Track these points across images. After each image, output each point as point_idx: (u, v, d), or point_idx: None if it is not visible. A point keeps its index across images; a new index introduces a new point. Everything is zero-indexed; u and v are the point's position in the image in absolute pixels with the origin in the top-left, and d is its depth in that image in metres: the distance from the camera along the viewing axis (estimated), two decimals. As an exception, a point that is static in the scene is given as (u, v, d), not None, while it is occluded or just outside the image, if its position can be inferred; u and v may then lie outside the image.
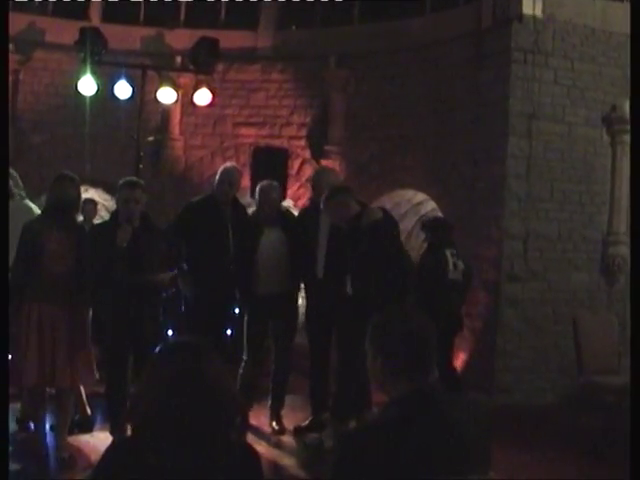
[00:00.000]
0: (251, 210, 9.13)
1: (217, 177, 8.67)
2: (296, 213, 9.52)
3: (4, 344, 6.36)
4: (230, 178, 8.61)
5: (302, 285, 8.75)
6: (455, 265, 9.40)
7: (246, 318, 8.62)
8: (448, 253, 9.41)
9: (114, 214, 7.75)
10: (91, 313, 7.38)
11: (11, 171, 8.21)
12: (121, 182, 7.65)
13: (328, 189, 8.03)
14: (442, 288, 9.28)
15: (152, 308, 7.57)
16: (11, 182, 8.11)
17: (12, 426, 7.60)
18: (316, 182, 8.69)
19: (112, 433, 7.34)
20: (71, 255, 7.02)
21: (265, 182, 8.69)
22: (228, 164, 9.66)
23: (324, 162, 13.81)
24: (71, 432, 7.75)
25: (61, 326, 7.02)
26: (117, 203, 7.72)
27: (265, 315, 8.46)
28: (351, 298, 7.87)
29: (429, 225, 9.93)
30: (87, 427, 7.99)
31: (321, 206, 8.01)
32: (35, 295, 6.99)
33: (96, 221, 12.04)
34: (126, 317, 7.32)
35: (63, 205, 7.17)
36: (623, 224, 11.45)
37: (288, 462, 7.78)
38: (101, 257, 7.27)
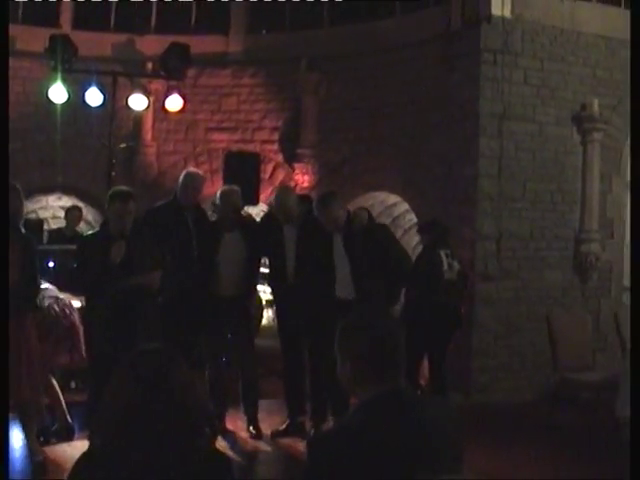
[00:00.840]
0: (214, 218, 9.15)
1: (180, 181, 8.71)
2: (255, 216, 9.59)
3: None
4: (193, 183, 8.65)
5: (270, 292, 8.80)
6: (450, 265, 9.45)
7: (207, 321, 8.65)
8: (442, 254, 9.46)
9: (104, 225, 7.64)
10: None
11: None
12: (112, 193, 7.51)
13: (319, 195, 8.16)
14: (438, 288, 9.33)
15: (145, 311, 7.38)
16: None
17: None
18: (279, 202, 8.58)
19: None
20: (15, 266, 6.92)
21: (225, 187, 8.77)
22: (191, 169, 9.70)
23: (297, 165, 13.83)
24: (49, 441, 7.74)
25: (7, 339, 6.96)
26: (109, 215, 7.57)
27: (224, 317, 8.47)
28: (344, 301, 7.91)
29: (424, 227, 10.02)
30: (67, 436, 7.96)
31: (315, 213, 8.08)
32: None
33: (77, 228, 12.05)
34: (118, 322, 7.17)
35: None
36: (595, 222, 11.55)
37: (264, 467, 7.79)
38: (92, 271, 7.23)
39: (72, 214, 12.21)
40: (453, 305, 9.54)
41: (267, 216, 9.14)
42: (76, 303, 8.63)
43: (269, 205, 8.94)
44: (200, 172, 9.39)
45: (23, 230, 7.21)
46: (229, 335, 8.64)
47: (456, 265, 9.54)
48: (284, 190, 9.23)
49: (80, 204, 13.83)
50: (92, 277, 7.27)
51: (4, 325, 6.33)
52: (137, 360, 2.80)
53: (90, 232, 8.52)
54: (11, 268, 6.72)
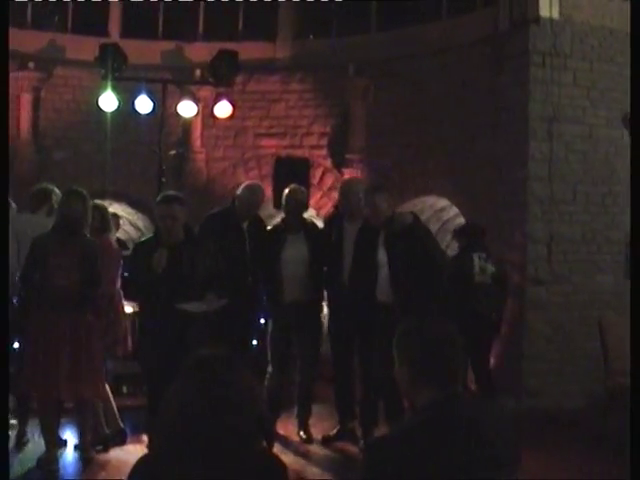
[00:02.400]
0: (275, 220, 9.15)
1: (239, 193, 8.69)
2: (319, 222, 9.52)
3: (5, 346, 6.46)
4: (254, 197, 8.65)
5: (326, 294, 8.72)
6: (482, 268, 9.38)
7: (270, 327, 8.64)
8: (475, 256, 9.40)
9: (156, 231, 7.62)
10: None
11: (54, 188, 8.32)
12: (159, 197, 7.56)
13: (370, 186, 8.08)
14: (469, 291, 9.27)
15: (197, 330, 7.15)
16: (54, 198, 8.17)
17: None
18: (344, 192, 8.58)
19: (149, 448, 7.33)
20: (76, 269, 7.06)
21: (293, 185, 8.67)
22: (253, 182, 9.67)
23: (346, 171, 13.84)
24: (104, 446, 7.81)
25: (64, 338, 7.11)
26: (156, 219, 7.62)
27: (289, 324, 8.46)
28: (382, 304, 7.85)
29: (458, 231, 9.98)
30: (120, 440, 8.02)
31: (359, 203, 7.99)
32: (40, 308, 7.16)
33: (119, 235, 12.11)
34: (169, 339, 7.04)
35: (69, 220, 7.24)
36: (647, 224, 11.41)
37: (316, 471, 7.78)
38: (139, 280, 7.25)
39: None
40: (487, 310, 9.46)
41: (330, 216, 9.10)
42: (129, 308, 8.74)
43: (339, 193, 8.82)
44: (261, 185, 9.32)
45: (87, 235, 7.39)
46: (295, 339, 8.59)
47: (490, 268, 9.45)
48: (351, 181, 9.25)
49: (131, 210, 13.94)
50: (139, 285, 7.29)
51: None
52: (197, 366, 2.81)
53: (143, 239, 8.55)
54: (70, 270, 6.88)
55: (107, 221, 8.23)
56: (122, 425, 8.09)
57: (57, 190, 8.26)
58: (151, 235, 7.82)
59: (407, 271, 7.63)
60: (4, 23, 7.10)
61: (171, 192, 7.82)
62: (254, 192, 8.73)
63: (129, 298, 8.54)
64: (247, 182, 9.33)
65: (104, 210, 8.34)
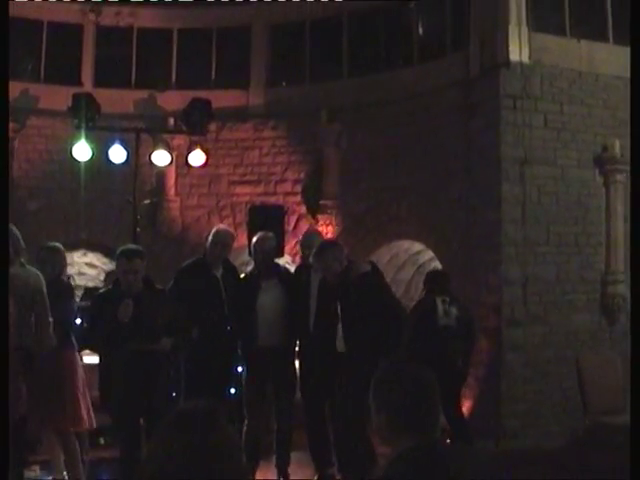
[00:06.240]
0: (250, 267, 9.14)
1: (209, 239, 8.69)
2: (293, 269, 9.52)
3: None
4: (223, 240, 8.65)
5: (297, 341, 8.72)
6: (446, 312, 9.35)
7: (245, 375, 8.60)
8: (439, 300, 9.35)
9: (116, 283, 7.69)
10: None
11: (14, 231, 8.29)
12: (118, 251, 7.55)
13: (319, 245, 8.06)
14: (433, 335, 9.23)
15: (158, 373, 7.35)
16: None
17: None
18: (304, 243, 8.68)
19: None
20: (55, 306, 7.15)
21: (260, 233, 8.70)
22: (221, 226, 9.70)
23: (320, 217, 13.86)
24: None
25: (51, 371, 7.29)
26: (117, 272, 7.68)
27: (265, 370, 8.42)
28: (340, 354, 7.85)
29: (426, 278, 9.95)
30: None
31: (311, 260, 8.05)
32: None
33: (93, 284, 12.10)
34: (132, 383, 7.15)
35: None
36: (620, 263, 11.49)
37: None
38: (103, 329, 7.27)
39: (111, 277, 12.25)
40: (454, 354, 9.40)
41: (299, 267, 9.11)
42: (93, 359, 8.68)
43: (300, 246, 8.86)
44: (230, 229, 9.38)
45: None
46: (270, 386, 8.56)
47: (454, 311, 9.41)
48: (309, 235, 9.28)
49: (105, 260, 13.91)
50: (101, 335, 7.31)
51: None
52: (178, 420, 2.79)
53: (102, 290, 8.54)
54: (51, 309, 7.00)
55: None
56: None
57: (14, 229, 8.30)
58: (110, 287, 7.87)
59: (360, 320, 7.61)
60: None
61: (131, 246, 8.00)
62: (222, 236, 8.73)
63: (90, 349, 8.55)
64: (215, 227, 9.33)
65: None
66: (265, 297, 8.36)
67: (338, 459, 8.38)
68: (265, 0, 15.01)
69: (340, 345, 7.86)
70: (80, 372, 7.81)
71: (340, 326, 7.85)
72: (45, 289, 6.96)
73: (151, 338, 7.19)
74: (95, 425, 8.04)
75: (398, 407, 3.16)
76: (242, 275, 9.03)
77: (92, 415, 7.90)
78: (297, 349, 8.71)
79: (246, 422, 8.44)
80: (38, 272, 7.05)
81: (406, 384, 3.20)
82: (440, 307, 9.29)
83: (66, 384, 7.61)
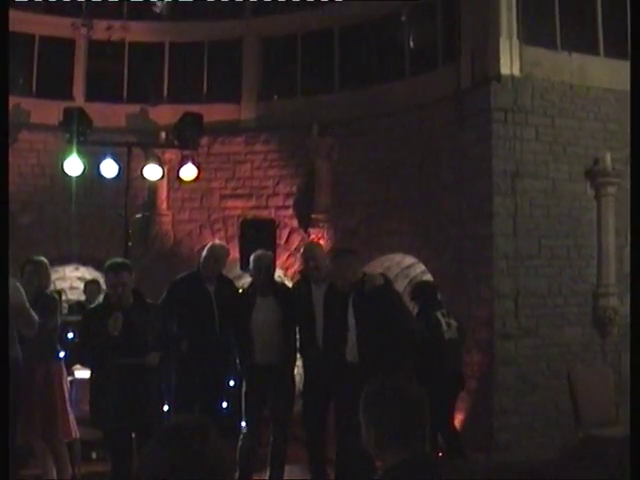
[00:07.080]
0: (242, 282, 9.15)
1: (204, 253, 8.70)
2: (286, 282, 9.53)
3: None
4: (216, 255, 8.65)
5: (299, 357, 8.68)
6: (448, 324, 9.37)
7: (244, 389, 8.58)
8: (439, 314, 9.37)
9: (106, 297, 7.67)
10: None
11: None
12: (107, 265, 7.55)
13: (336, 250, 8.07)
14: (441, 349, 9.23)
15: (148, 386, 7.32)
16: None
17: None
18: (308, 255, 8.62)
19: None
20: (42, 320, 7.21)
21: (259, 251, 8.69)
22: (216, 241, 9.70)
23: (312, 230, 13.87)
24: None
25: (40, 385, 7.53)
26: (106, 286, 7.68)
27: (263, 385, 8.40)
28: (350, 365, 7.82)
29: (416, 290, 9.91)
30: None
31: (329, 265, 8.03)
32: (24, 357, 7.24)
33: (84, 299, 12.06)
34: (122, 397, 7.11)
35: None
36: (612, 276, 11.50)
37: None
38: (93, 343, 7.26)
39: (91, 287, 12.21)
40: (458, 365, 9.45)
41: (297, 282, 9.10)
42: (85, 374, 8.66)
43: (304, 259, 8.82)
44: (225, 245, 9.38)
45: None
46: (268, 401, 8.53)
47: (454, 323, 9.43)
48: (312, 246, 9.29)
49: (97, 274, 13.87)
50: (92, 349, 7.29)
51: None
52: (170, 434, 2.79)
53: (92, 305, 8.53)
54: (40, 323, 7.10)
55: None
56: None
57: None
58: (100, 302, 7.86)
59: (376, 333, 7.61)
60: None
61: (118, 259, 7.91)
62: (216, 251, 8.74)
63: (81, 364, 8.57)
64: (210, 242, 9.34)
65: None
66: (262, 313, 8.36)
67: (336, 472, 8.36)
68: (256, 14, 15.06)
69: (350, 355, 7.87)
70: (66, 384, 8.01)
71: (350, 336, 7.87)
72: (26, 302, 7.00)
73: (140, 352, 7.17)
74: (79, 435, 8.16)
75: (385, 422, 3.18)
76: (239, 290, 9.06)
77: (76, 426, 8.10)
78: (302, 364, 8.70)
79: (242, 436, 8.42)
80: (18, 285, 7.07)
81: (393, 399, 3.22)
82: (443, 321, 9.31)
83: (57, 396, 7.77)
